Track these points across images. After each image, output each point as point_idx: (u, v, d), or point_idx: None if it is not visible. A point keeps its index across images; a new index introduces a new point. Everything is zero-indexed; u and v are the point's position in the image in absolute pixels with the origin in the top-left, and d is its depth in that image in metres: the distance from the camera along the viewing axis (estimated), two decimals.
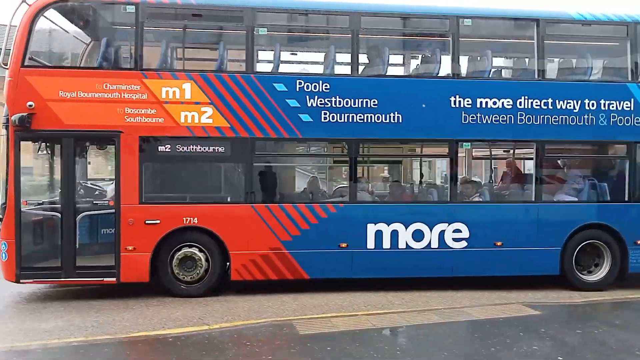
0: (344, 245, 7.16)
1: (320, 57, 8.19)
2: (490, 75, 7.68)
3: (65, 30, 7.36)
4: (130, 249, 6.77)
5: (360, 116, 7.09)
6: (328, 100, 7.02)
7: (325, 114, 7.03)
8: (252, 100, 6.90)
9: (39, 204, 6.97)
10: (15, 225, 6.61)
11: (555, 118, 7.40)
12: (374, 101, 7.10)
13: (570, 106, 7.42)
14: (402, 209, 7.55)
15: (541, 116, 7.37)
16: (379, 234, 7.21)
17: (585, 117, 7.46)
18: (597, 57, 8.07)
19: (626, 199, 7.75)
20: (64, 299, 6.89)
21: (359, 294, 7.05)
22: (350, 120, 7.08)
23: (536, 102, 7.36)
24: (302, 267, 7.11)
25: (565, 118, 7.42)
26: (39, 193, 7.57)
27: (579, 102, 7.44)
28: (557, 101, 7.39)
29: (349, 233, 7.17)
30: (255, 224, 6.98)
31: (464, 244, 7.34)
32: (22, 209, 6.66)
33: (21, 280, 6.70)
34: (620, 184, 7.80)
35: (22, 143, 6.67)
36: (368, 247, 7.20)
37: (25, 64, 6.56)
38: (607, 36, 8.21)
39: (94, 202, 7.15)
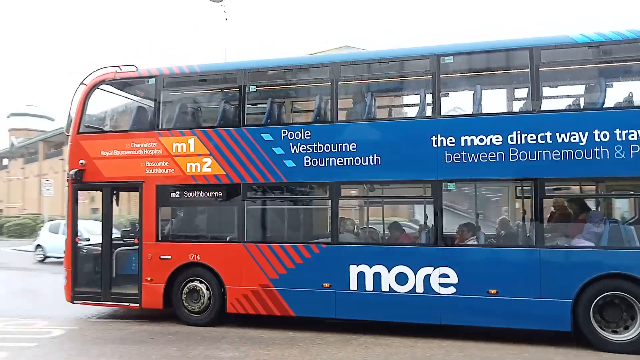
0: (327, 285, 7.37)
1: (310, 105, 8.63)
2: (478, 111, 7.23)
3: (107, 103, 9.20)
4: (149, 279, 8.04)
5: (340, 160, 7.36)
6: (310, 147, 7.47)
7: (307, 159, 7.48)
8: (243, 150, 7.73)
9: (87, 240, 8.70)
10: (71, 257, 8.44)
11: (554, 153, 6.64)
12: (353, 145, 7.32)
13: (574, 139, 6.60)
14: (385, 250, 7.46)
15: (536, 151, 6.69)
16: (361, 276, 7.26)
17: (597, 150, 6.53)
18: (609, 80, 7.00)
19: None
20: (242, 326, 7.74)
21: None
22: (331, 164, 7.39)
23: (531, 136, 6.73)
24: (289, 304, 7.52)
25: (566, 153, 6.60)
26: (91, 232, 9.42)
27: (587, 133, 6.56)
28: (557, 134, 6.64)
29: (331, 273, 7.37)
30: (246, 262, 7.68)
31: (452, 289, 6.93)
32: (77, 244, 8.47)
33: (74, 301, 8.44)
34: None
35: (79, 192, 8.55)
36: (350, 288, 7.29)
37: (80, 131, 8.48)
38: (621, 56, 7.09)
39: (125, 239, 8.63)
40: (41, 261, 18.60)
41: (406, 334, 7.16)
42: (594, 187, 7.26)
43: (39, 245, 19.03)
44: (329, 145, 7.41)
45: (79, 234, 8.58)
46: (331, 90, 7.53)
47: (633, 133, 6.43)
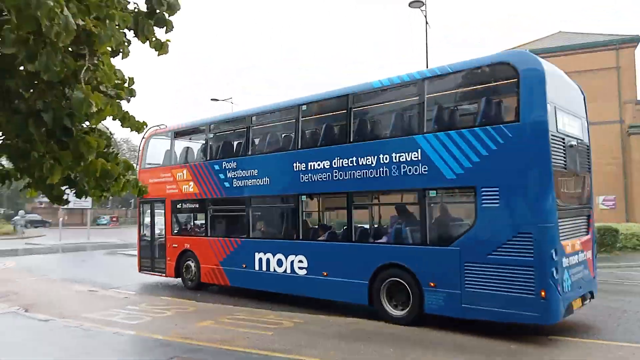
0: (244, 265, 10.96)
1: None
2: (319, 145, 9.80)
3: (158, 147, 14.27)
4: (168, 259, 12.88)
5: (250, 181, 10.88)
6: (235, 172, 11.18)
7: (234, 181, 11.21)
8: (206, 176, 11.88)
9: (144, 235, 14.00)
10: (139, 246, 13.93)
11: (359, 173, 8.95)
12: (255, 171, 10.76)
13: (369, 162, 8.82)
14: (271, 243, 10.62)
15: (349, 172, 9.09)
16: (259, 260, 10.64)
17: (381, 170, 8.63)
18: (394, 112, 8.91)
19: (419, 242, 8.25)
20: (454, 331, 7.77)
21: None
22: (245, 184, 10.97)
23: (344, 161, 9.16)
24: (228, 278, 11.36)
25: (366, 172, 8.84)
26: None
27: (375, 157, 8.72)
28: (359, 158, 8.95)
29: (245, 258, 10.93)
30: (209, 249, 11.81)
31: (304, 272, 9.79)
32: (142, 238, 13.89)
33: (140, 272, 13.85)
34: (416, 227, 8.34)
35: (143, 205, 13.99)
36: (255, 268, 10.72)
37: (142, 167, 13.83)
38: (408, 94, 8.79)
39: (160, 234, 13.62)
40: None
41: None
42: (388, 197, 9.23)
43: None
44: (243, 171, 10.99)
45: (142, 231, 14.00)
46: (245, 134, 11.14)
47: (402, 155, 8.38)
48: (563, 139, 7.68)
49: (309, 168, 9.71)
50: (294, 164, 9.94)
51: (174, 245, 12.79)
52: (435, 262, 7.97)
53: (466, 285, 7.61)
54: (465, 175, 7.71)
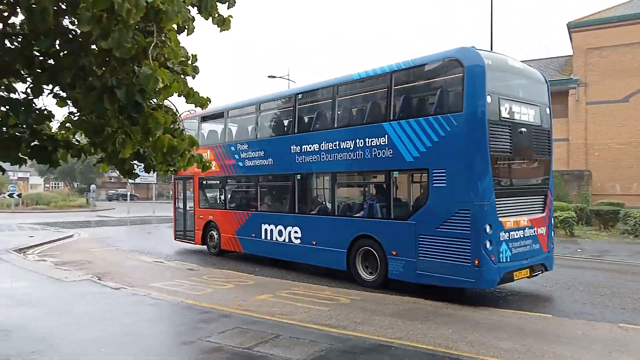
0: (254, 235, 12.62)
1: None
2: (311, 130, 11.11)
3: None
4: (197, 229, 14.82)
5: (258, 161, 12.43)
6: (246, 154, 12.77)
7: (246, 161, 12.81)
8: (224, 156, 13.55)
9: (178, 208, 15.98)
10: (175, 217, 16.02)
11: (340, 155, 10.24)
12: (262, 152, 12.28)
13: (348, 145, 10.09)
14: (273, 216, 12.18)
15: (333, 154, 10.41)
16: (265, 230, 12.25)
17: (357, 153, 9.89)
18: (369, 102, 10.12)
19: (385, 216, 9.51)
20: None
21: None
22: (254, 164, 12.55)
23: (330, 144, 10.47)
24: (241, 246, 13.10)
25: (346, 154, 10.14)
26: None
27: (353, 142, 9.98)
28: (341, 143, 10.24)
29: (254, 229, 12.58)
30: (227, 220, 13.58)
31: (298, 241, 11.31)
32: (176, 210, 15.95)
33: (175, 240, 15.96)
34: (384, 204, 9.59)
35: (177, 181, 15.99)
36: (262, 238, 12.35)
37: None
38: (380, 86, 9.90)
39: (190, 208, 15.52)
40: None
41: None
42: (363, 177, 10.52)
43: None
44: (252, 153, 12.55)
45: (176, 205, 16.03)
46: (255, 119, 12.67)
47: (373, 140, 9.58)
48: (509, 125, 8.55)
49: (303, 150, 11.10)
50: (291, 147, 11.36)
51: (200, 216, 14.76)
52: (396, 233, 9.23)
53: (420, 254, 8.85)
54: (421, 159, 8.86)
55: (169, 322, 7.21)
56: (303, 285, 10.09)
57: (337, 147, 10.30)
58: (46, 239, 18.19)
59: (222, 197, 14.10)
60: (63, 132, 4.60)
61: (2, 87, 4.44)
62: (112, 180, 69.38)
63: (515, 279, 8.58)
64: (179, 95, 4.00)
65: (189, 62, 4.11)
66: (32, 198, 44.75)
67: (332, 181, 10.64)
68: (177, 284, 10.15)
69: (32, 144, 4.30)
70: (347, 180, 11.11)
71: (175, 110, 4.30)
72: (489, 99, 8.14)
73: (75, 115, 4.22)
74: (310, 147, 10.93)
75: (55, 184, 72.64)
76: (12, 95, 4.40)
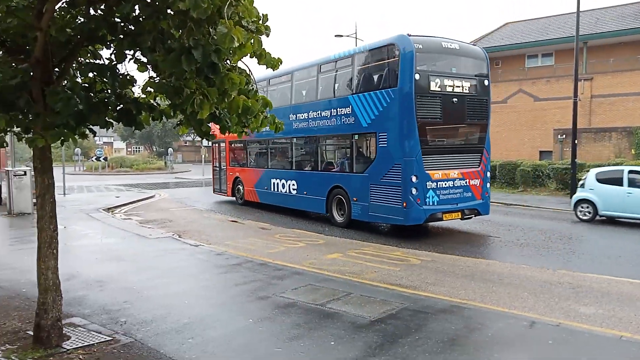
0: (266, 188, 15.67)
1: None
2: (303, 101, 13.74)
3: None
4: (228, 184, 18.23)
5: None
6: None
7: None
8: None
9: (215, 167, 19.30)
10: (213, 175, 18.83)
11: (322, 122, 12.37)
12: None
13: (326, 114, 12.10)
14: (278, 172, 15.15)
15: (317, 121, 12.52)
16: (274, 184, 15.19)
17: (332, 120, 12.27)
18: (341, 78, 12.40)
19: (349, 170, 12.19)
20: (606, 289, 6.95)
21: None
22: (264, 130, 13.63)
23: (315, 113, 12.59)
24: (259, 197, 16.19)
25: (326, 122, 12.16)
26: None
27: (329, 111, 12.07)
28: (321, 112, 12.34)
29: (267, 183, 15.59)
30: (248, 176, 16.81)
31: (295, 192, 14.21)
32: (214, 169, 18.42)
33: (213, 193, 18.87)
34: (349, 161, 12.20)
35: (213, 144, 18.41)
36: (272, 190, 15.39)
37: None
38: (347, 65, 12.06)
39: (223, 166, 17.70)
40: None
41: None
42: (337, 139, 12.93)
43: None
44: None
45: (214, 165, 19.45)
46: (265, 92, 14.19)
47: (342, 110, 11.71)
48: (439, 97, 10.48)
49: (297, 118, 13.11)
50: (290, 115, 13.27)
51: (230, 173, 18.13)
52: (356, 184, 11.72)
53: (371, 200, 11.29)
54: (372, 124, 11.04)
55: (245, 278, 7.50)
56: (372, 246, 10.19)
57: (320, 116, 12.39)
58: (130, 199, 19.57)
59: (245, 157, 17.27)
60: (144, 95, 4.83)
61: (89, 54, 4.71)
62: (187, 144, 72.47)
63: (444, 219, 10.97)
64: (251, 57, 4.04)
65: (261, 21, 4.10)
66: (116, 161, 47.90)
67: (317, 143, 13.39)
68: (251, 242, 10.59)
69: (118, 107, 4.58)
70: (327, 142, 13.41)
71: (248, 72, 4.33)
72: (417, 76, 10.10)
73: (155, 79, 4.39)
74: (302, 116, 13.11)
75: (136, 147, 77.07)
76: (97, 61, 4.67)
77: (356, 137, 11.71)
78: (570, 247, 10.04)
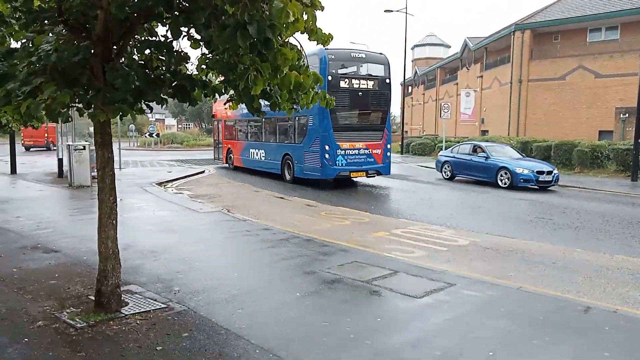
0: (246, 156, 20.99)
1: None
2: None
3: None
4: (224, 154, 23.71)
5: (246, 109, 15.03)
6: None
7: (243, 109, 14.46)
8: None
9: (215, 140, 25.13)
10: (214, 147, 23.60)
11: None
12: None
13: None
14: (253, 144, 20.39)
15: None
16: (252, 152, 20.41)
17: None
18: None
19: (293, 142, 17.10)
20: None
21: None
22: (245, 111, 14.97)
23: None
24: (243, 163, 21.40)
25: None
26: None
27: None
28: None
29: (247, 152, 20.98)
30: (236, 147, 22.08)
31: (262, 159, 19.46)
32: (219, 144, 24.26)
33: (214, 161, 23.07)
34: (293, 135, 17.11)
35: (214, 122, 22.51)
36: (250, 157, 20.65)
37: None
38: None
39: (219, 140, 24.09)
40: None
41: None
42: (288, 120, 17.44)
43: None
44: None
45: (214, 138, 25.54)
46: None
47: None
48: (348, 92, 15.46)
49: (265, 104, 13.50)
50: (261, 100, 13.73)
51: (224, 145, 23.31)
52: (297, 152, 16.69)
53: (304, 162, 16.30)
54: (307, 110, 10.91)
55: (292, 253, 7.57)
56: (419, 225, 10.11)
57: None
58: (181, 174, 20.16)
59: (234, 133, 22.16)
60: (197, 72, 4.92)
61: (145, 32, 4.83)
62: None
63: (352, 176, 16.15)
64: (302, 33, 4.02)
65: None
66: (168, 137, 49.37)
67: (276, 123, 18.27)
68: (297, 218, 10.73)
69: (173, 84, 4.68)
70: (281, 123, 18.02)
71: (300, 47, 4.32)
72: (329, 77, 14.83)
73: (208, 55, 4.45)
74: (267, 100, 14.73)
75: (186, 124, 79.05)
76: (154, 38, 4.78)
77: (297, 119, 16.55)
78: (631, 232, 9.59)
